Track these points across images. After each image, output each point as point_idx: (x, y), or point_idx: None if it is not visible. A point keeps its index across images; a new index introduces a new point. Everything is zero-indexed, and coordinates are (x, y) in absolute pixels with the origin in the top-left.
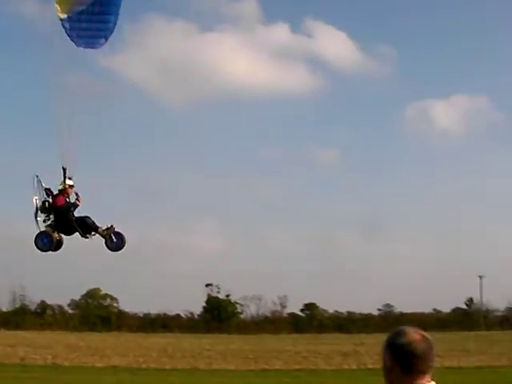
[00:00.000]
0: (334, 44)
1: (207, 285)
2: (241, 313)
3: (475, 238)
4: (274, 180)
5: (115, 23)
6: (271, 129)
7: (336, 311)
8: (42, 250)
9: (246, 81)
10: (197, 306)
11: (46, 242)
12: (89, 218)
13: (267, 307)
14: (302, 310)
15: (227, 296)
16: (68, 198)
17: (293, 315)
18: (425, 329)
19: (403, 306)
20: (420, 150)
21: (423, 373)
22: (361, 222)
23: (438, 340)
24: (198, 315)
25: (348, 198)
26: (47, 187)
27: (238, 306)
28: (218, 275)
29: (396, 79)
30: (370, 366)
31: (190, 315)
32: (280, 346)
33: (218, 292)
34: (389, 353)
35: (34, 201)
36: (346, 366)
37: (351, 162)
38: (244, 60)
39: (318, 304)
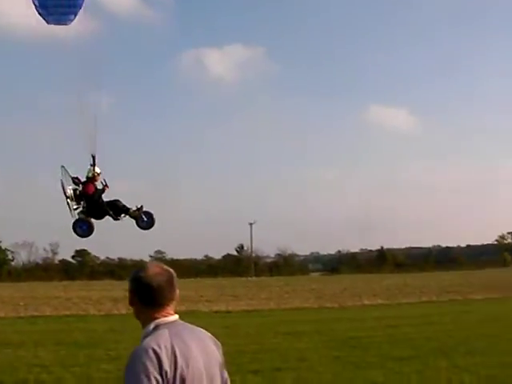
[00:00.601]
0: None
1: None
2: (12, 260)
3: (246, 185)
4: (46, 125)
5: None
6: (45, 73)
7: (107, 258)
8: (82, 236)
9: (19, 23)
10: None
11: (85, 229)
12: (119, 201)
13: (38, 254)
14: (73, 257)
15: None
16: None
17: (64, 262)
18: (196, 275)
19: (175, 252)
20: (194, 97)
21: (162, 305)
22: (132, 169)
23: (209, 286)
24: None
25: (125, 145)
26: (74, 176)
27: (8, 253)
28: None
29: (173, 27)
30: None
31: None
32: (51, 293)
33: None
34: (130, 287)
35: (68, 191)
36: (115, 312)
37: (126, 110)
38: (18, 3)
39: (89, 251)
